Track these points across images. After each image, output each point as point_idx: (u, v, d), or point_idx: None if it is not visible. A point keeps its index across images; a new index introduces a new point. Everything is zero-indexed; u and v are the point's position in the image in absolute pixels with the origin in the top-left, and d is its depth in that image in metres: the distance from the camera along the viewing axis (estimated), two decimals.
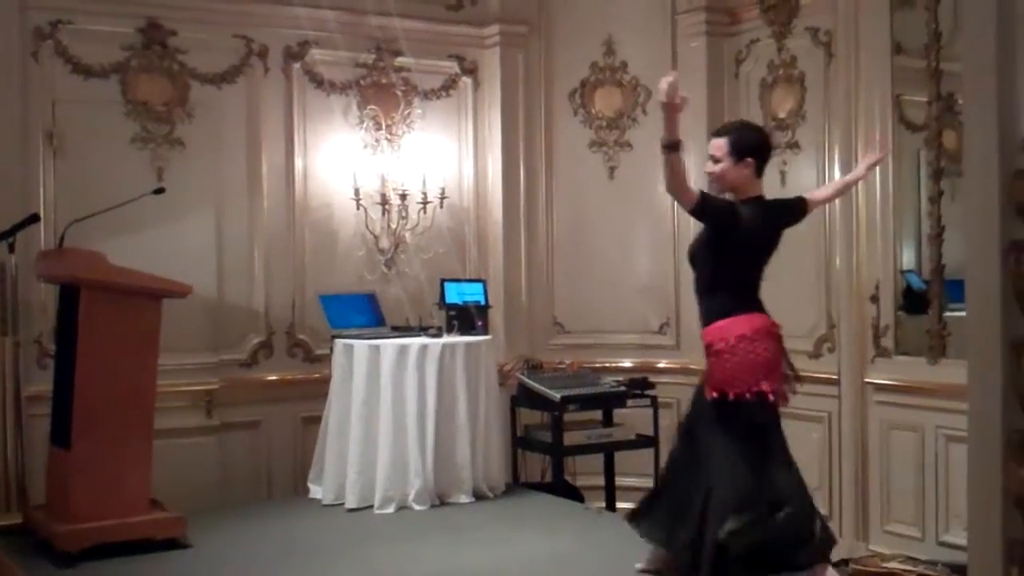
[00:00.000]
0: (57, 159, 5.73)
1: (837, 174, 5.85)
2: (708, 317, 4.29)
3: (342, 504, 5.79)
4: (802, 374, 5.95)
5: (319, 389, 6.09)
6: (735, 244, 4.20)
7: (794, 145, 6.17)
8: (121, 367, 4.91)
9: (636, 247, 6.92)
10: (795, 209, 4.53)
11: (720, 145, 4.27)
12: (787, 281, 6.14)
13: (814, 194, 4.73)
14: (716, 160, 4.26)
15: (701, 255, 4.34)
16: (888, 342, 5.60)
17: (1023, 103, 1.16)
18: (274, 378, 6.28)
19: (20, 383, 5.44)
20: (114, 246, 5.36)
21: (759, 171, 4.30)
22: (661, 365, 6.73)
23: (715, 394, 4.17)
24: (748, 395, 4.15)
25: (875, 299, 5.63)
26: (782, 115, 6.23)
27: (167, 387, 5.54)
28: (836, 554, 5.44)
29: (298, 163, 6.38)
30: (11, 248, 5.27)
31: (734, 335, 4.15)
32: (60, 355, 5.19)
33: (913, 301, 5.58)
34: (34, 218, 5.42)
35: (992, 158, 1.17)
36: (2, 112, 5.56)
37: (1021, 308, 1.12)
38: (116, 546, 4.84)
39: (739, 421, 4.16)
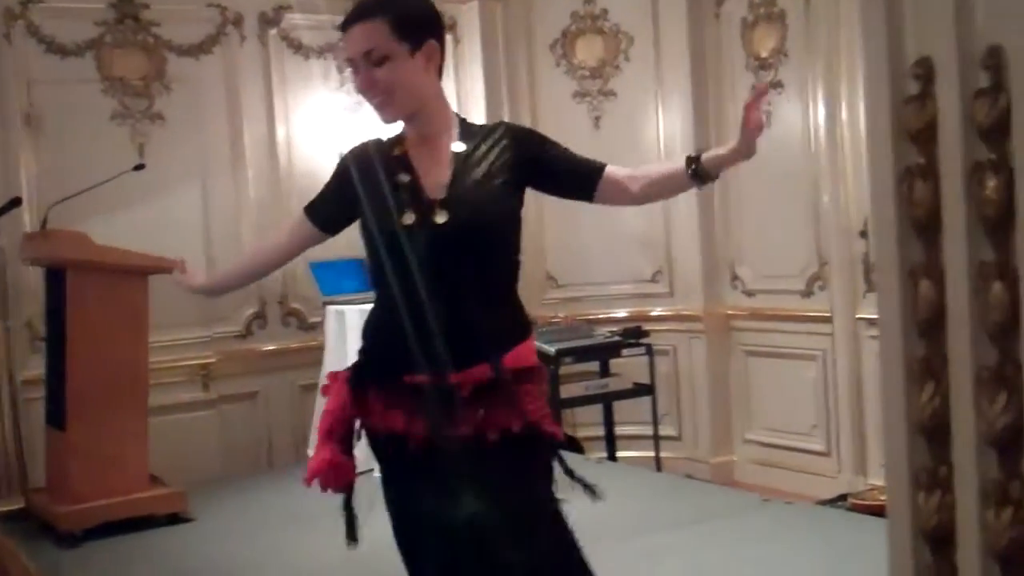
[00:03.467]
0: (36, 140, 5.71)
1: (822, 111, 5.82)
2: (518, 332, 2.55)
3: None
4: (795, 313, 6.04)
5: (315, 356, 6.09)
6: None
7: (778, 84, 6.12)
8: (112, 346, 4.92)
9: None
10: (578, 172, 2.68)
11: (378, 32, 2.38)
12: (776, 221, 6.16)
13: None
14: (380, 61, 2.38)
15: (512, 231, 2.56)
16: None
17: (910, 29, 1.16)
18: (270, 348, 6.29)
19: (14, 367, 5.46)
20: (99, 225, 5.35)
21: (441, 67, 2.53)
22: (655, 313, 6.73)
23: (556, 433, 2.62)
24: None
25: (864, 234, 5.62)
26: (764, 54, 6.18)
27: (163, 363, 5.56)
28: (836, 489, 5.50)
29: (280, 131, 6.35)
30: None
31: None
32: (51, 337, 5.20)
33: None
34: (16, 202, 5.40)
35: (883, 84, 1.17)
36: None
37: (916, 234, 1.12)
38: (118, 524, 4.87)
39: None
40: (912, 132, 1.12)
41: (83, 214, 5.41)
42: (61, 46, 5.79)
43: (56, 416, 5.01)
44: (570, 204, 6.79)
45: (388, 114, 2.44)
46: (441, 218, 2.40)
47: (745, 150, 2.46)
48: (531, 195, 7.30)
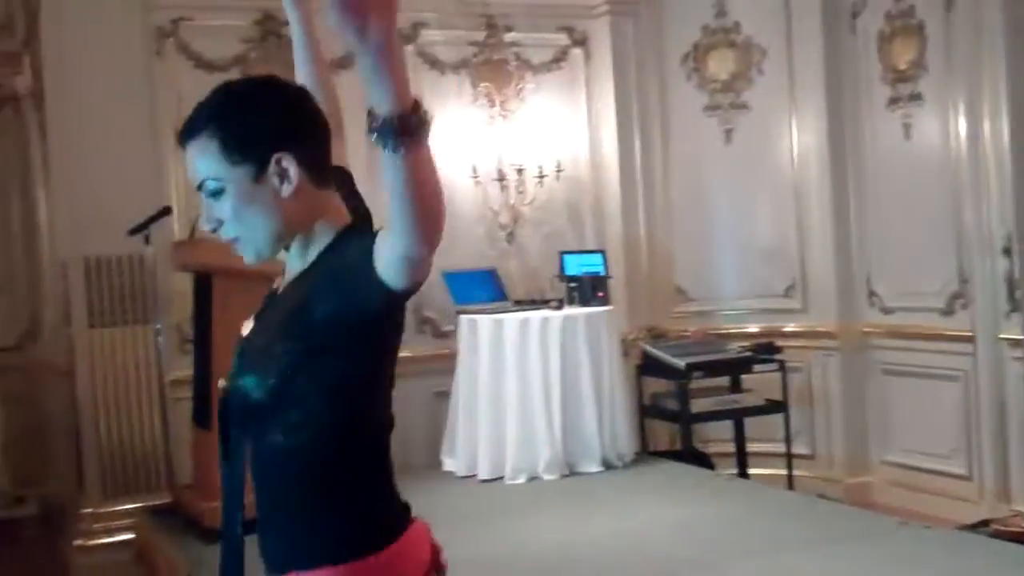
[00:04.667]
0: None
1: (963, 125, 5.68)
2: (308, 552, 1.72)
3: (475, 475, 5.89)
4: (935, 332, 5.90)
5: (449, 364, 6.18)
6: (392, 327, 1.80)
7: (917, 97, 6.01)
8: None
9: (757, 209, 6.83)
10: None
11: (208, 156, 1.73)
12: (915, 236, 6.04)
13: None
14: (216, 193, 1.73)
15: (296, 403, 1.72)
16: None
17: None
18: (405, 355, 6.32)
19: (163, 368, 5.67)
20: None
21: (319, 174, 1.77)
22: (788, 329, 6.64)
23: None
24: None
25: (1007, 252, 5.46)
26: (902, 67, 6.07)
27: None
28: (978, 514, 5.35)
29: None
30: (147, 240, 5.48)
31: None
32: (198, 340, 5.40)
33: None
34: (166, 211, 5.62)
35: None
36: (132, 109, 5.79)
37: None
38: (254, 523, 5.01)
39: None
40: None
41: None
42: (209, 62, 6.02)
43: (202, 416, 5.19)
44: (701, 215, 6.80)
45: (248, 258, 1.77)
46: (222, 392, 1.80)
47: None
48: (664, 204, 7.36)
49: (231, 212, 1.72)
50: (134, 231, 5.43)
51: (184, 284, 5.80)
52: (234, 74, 6.06)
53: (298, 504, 1.72)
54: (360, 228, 1.79)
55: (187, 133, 1.74)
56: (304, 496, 1.72)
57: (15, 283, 6.95)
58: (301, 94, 1.81)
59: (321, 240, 1.76)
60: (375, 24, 1.32)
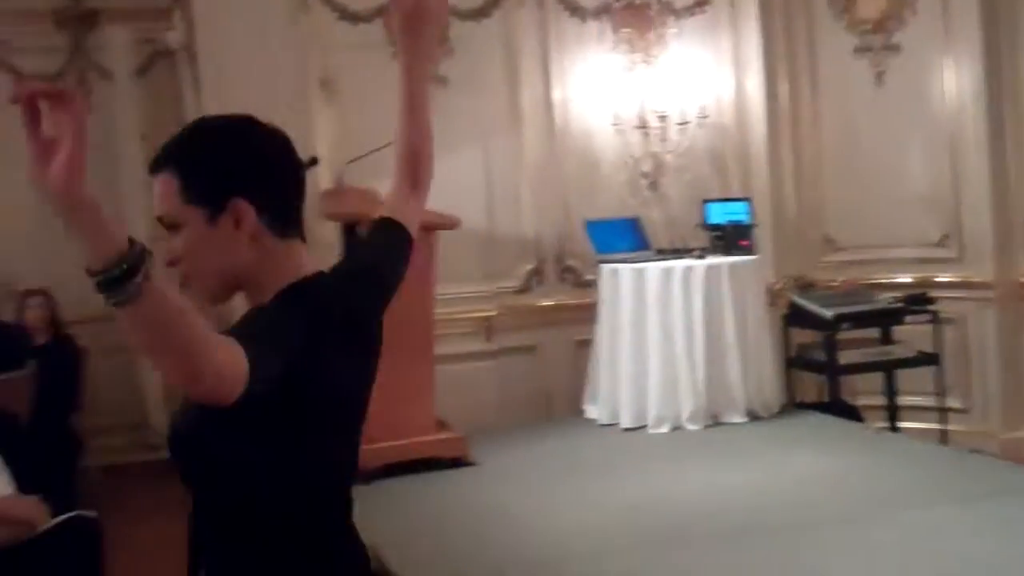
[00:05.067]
0: (332, 104, 6.04)
1: None
2: None
3: (617, 424, 5.90)
4: None
5: (590, 313, 6.18)
6: (313, 410, 1.72)
7: None
8: (402, 296, 5.10)
9: (910, 155, 6.59)
10: (395, 244, 2.07)
11: (168, 191, 1.70)
12: None
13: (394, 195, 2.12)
14: (172, 228, 1.71)
15: (226, 465, 1.69)
16: None
17: None
18: (547, 303, 6.44)
19: None
20: (388, 184, 5.59)
21: (282, 225, 1.75)
22: (942, 279, 6.42)
23: None
24: None
25: None
26: None
27: (449, 315, 5.78)
28: None
29: (556, 92, 6.45)
30: None
31: None
32: None
33: None
34: (314, 161, 5.65)
35: None
36: (279, 62, 5.89)
37: None
38: (406, 464, 5.13)
39: None
40: None
41: (374, 173, 5.64)
42: (354, 14, 6.08)
43: None
44: (850, 162, 6.59)
45: (196, 297, 1.71)
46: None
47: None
48: (812, 150, 7.18)
49: (183, 250, 1.69)
50: None
51: (331, 234, 5.92)
52: (377, 25, 6.11)
53: (237, 561, 1.70)
54: (307, 284, 1.73)
55: (154, 166, 1.72)
56: (240, 553, 1.69)
57: None
58: (274, 140, 1.76)
59: (266, 294, 1.70)
60: (62, 188, 1.27)
